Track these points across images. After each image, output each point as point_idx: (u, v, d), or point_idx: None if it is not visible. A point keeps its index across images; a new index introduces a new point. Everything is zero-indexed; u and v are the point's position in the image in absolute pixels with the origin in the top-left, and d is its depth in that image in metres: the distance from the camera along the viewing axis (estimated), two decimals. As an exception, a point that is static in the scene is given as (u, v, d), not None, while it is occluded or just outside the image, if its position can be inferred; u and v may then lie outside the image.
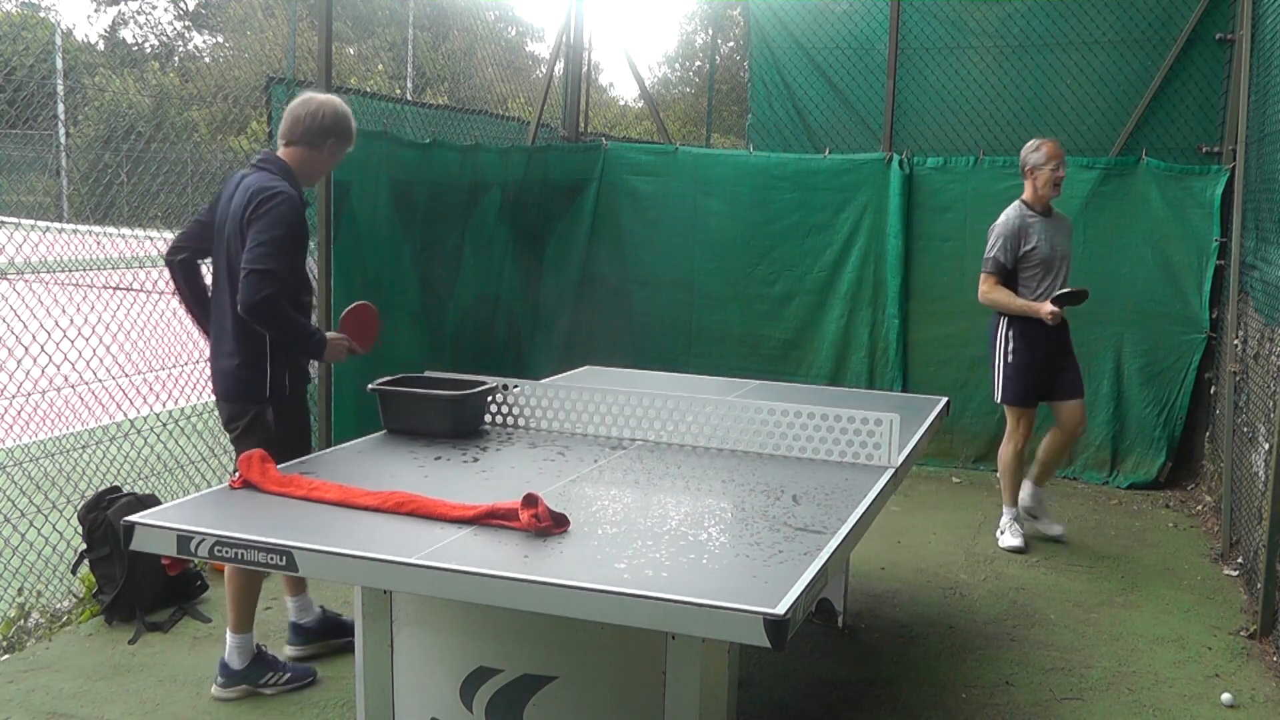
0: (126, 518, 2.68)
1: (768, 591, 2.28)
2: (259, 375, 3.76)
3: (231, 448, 3.88)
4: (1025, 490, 5.81)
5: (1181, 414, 6.93)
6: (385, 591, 2.99)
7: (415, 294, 6.22)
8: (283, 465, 3.15)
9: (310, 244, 5.43)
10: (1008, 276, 5.48)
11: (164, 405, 5.67)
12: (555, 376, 4.79)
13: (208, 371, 3.88)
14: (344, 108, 3.89)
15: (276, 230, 3.59)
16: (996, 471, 7.10)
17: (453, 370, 4.41)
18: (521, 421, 3.87)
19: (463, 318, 6.70)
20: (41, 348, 5.06)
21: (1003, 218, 5.51)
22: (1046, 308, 5.33)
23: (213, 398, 3.87)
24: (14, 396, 5.58)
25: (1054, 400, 5.61)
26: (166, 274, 3.92)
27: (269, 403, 3.79)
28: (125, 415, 5.57)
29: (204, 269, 3.91)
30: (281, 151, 3.81)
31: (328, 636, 4.18)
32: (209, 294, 3.86)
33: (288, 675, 3.90)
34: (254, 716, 3.71)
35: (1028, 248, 5.42)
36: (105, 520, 4.44)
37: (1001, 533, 5.75)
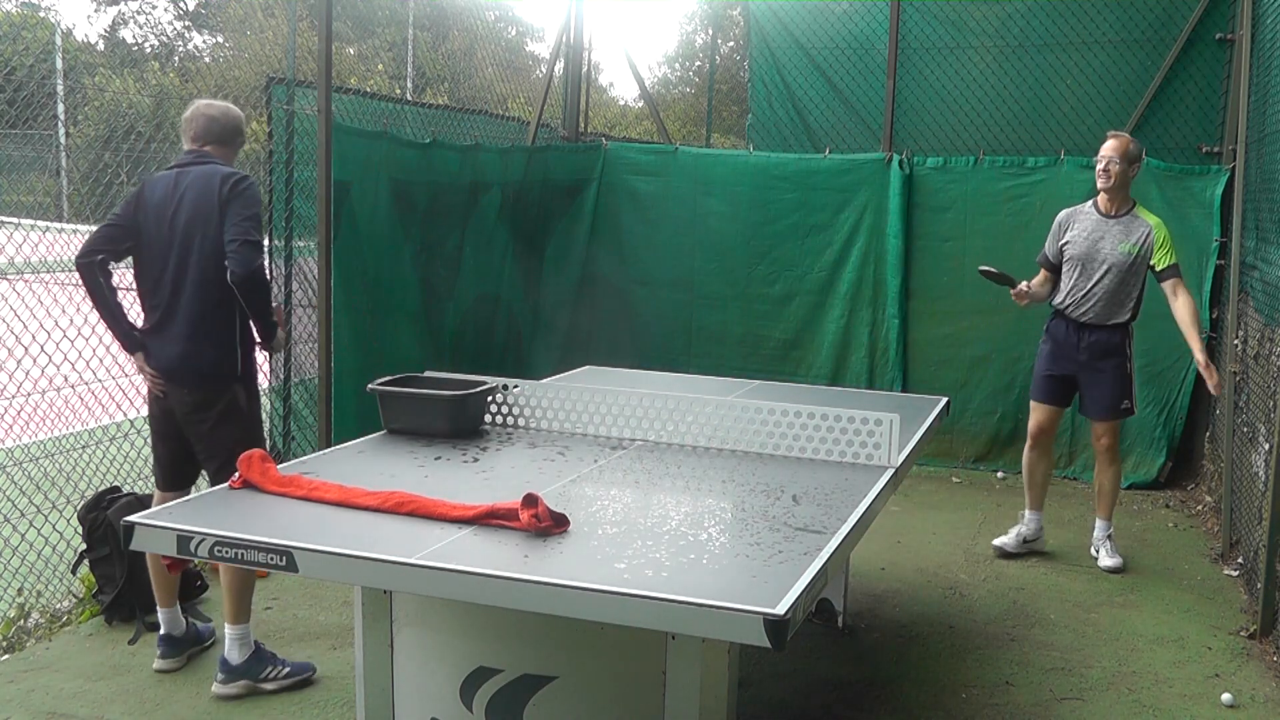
0: (126, 518, 2.68)
1: (768, 591, 2.27)
2: (230, 354, 3.84)
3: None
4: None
5: (1181, 414, 6.93)
6: (385, 591, 2.99)
7: (415, 294, 6.22)
8: (283, 465, 3.15)
9: (310, 244, 5.45)
10: (1056, 269, 5.40)
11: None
12: (555, 376, 4.79)
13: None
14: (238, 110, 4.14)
15: (256, 207, 3.81)
16: (998, 472, 7.14)
17: (453, 370, 4.41)
18: (521, 421, 3.87)
19: (463, 318, 6.70)
20: (41, 348, 5.06)
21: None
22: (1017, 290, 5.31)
23: None
24: (14, 396, 5.58)
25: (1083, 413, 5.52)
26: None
27: (240, 382, 3.87)
28: (125, 415, 5.56)
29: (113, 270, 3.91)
30: (205, 150, 3.94)
31: (190, 646, 4.14)
32: (116, 295, 3.89)
33: (287, 670, 3.89)
34: (254, 716, 3.71)
35: (1063, 241, 5.33)
36: (105, 520, 4.44)
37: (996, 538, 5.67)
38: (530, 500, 2.65)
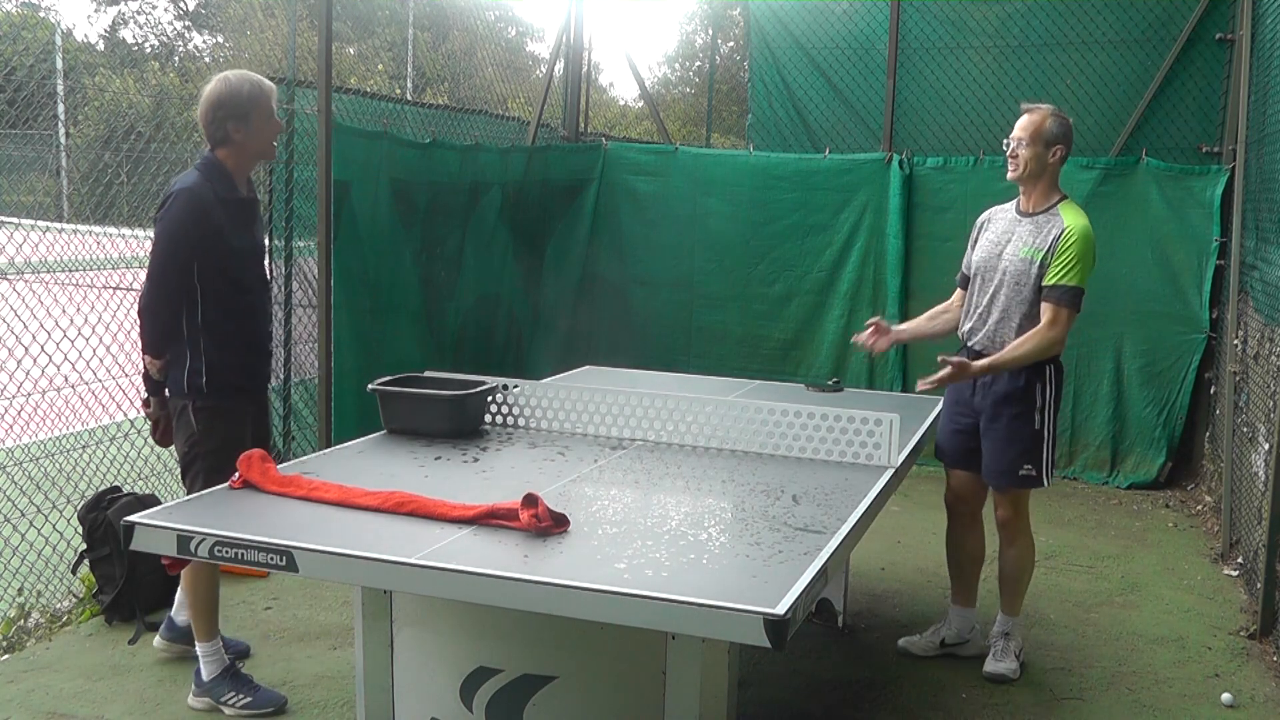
0: (126, 518, 2.68)
1: (768, 591, 2.28)
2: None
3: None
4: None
5: (1181, 414, 6.92)
6: (385, 591, 2.99)
7: (416, 294, 6.22)
8: (283, 465, 3.16)
9: (310, 244, 5.45)
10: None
11: (164, 405, 5.65)
12: (555, 376, 4.79)
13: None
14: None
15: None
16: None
17: (453, 370, 4.42)
18: (521, 421, 3.87)
19: (463, 318, 6.70)
20: (41, 348, 5.06)
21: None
22: None
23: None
24: (14, 396, 5.58)
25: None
26: None
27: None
28: (125, 415, 5.56)
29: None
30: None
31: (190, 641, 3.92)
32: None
33: (248, 700, 3.67)
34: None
35: (974, 248, 4.16)
36: (105, 520, 4.43)
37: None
38: (530, 500, 2.65)
